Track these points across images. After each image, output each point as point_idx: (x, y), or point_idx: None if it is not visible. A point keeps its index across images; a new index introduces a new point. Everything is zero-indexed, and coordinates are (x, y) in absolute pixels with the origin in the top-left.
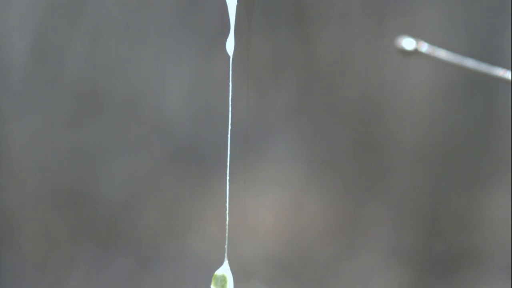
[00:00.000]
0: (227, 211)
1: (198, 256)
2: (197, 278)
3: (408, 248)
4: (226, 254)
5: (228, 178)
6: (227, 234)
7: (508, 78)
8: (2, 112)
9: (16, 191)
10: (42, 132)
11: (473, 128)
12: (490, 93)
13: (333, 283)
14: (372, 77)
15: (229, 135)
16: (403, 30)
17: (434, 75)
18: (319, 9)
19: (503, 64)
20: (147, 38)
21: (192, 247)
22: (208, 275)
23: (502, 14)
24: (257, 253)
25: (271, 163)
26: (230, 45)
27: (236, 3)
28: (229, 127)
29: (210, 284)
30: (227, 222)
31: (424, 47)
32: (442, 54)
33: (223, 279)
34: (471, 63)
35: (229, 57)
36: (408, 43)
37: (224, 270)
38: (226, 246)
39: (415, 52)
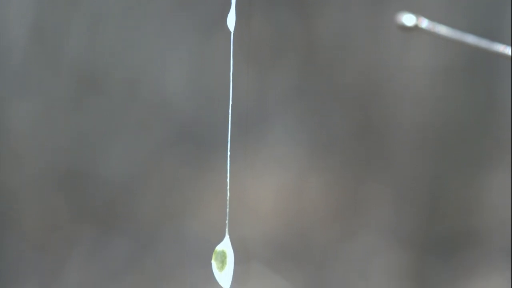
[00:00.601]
0: (228, 186)
1: (197, 237)
2: (197, 259)
3: (408, 230)
4: (227, 230)
5: (229, 156)
6: (227, 210)
7: (508, 54)
8: (2, 94)
9: (17, 173)
10: (43, 114)
11: (473, 111)
12: (491, 75)
13: (333, 264)
14: (372, 59)
15: (229, 116)
16: (403, 8)
17: (434, 58)
18: None
19: (504, 40)
20: (147, 20)
21: (192, 228)
22: (208, 256)
23: None
24: (257, 235)
25: (271, 145)
26: (231, 20)
27: None
28: (230, 107)
29: (210, 265)
30: (227, 197)
31: (424, 23)
32: (442, 30)
33: (223, 254)
34: (471, 39)
35: (230, 33)
36: (408, 19)
37: (225, 246)
38: (227, 222)
39: (415, 28)
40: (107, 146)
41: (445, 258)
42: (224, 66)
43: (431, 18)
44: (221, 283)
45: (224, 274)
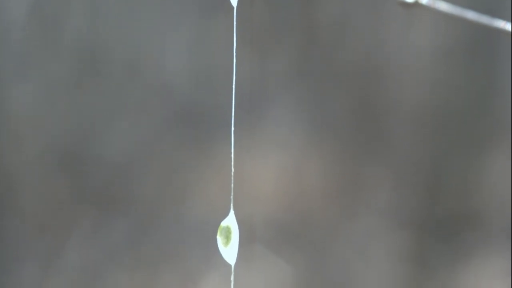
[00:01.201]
0: (232, 162)
1: (197, 219)
2: (197, 241)
3: (408, 211)
4: (231, 205)
5: (233, 130)
6: (232, 185)
7: (508, 30)
8: (2, 75)
9: (17, 153)
10: (42, 95)
11: (473, 92)
12: (491, 57)
13: (334, 245)
14: (372, 40)
15: (233, 96)
16: None
17: (435, 39)
18: None
19: (504, 17)
20: None
21: (192, 210)
22: (208, 238)
23: None
24: (258, 216)
25: (272, 126)
26: None
27: None
28: (234, 84)
29: (210, 247)
30: (232, 173)
31: None
32: (443, 6)
33: (227, 230)
34: (471, 15)
35: (231, 11)
36: None
37: (230, 221)
38: (231, 197)
39: (416, 4)
40: (107, 127)
41: (445, 239)
42: (225, 46)
43: None
44: (226, 259)
45: (229, 249)
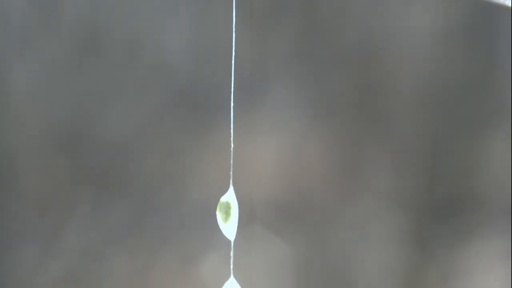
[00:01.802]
0: (232, 137)
1: (197, 200)
2: (196, 222)
3: (408, 192)
4: (231, 181)
5: (232, 105)
6: (232, 161)
7: (508, 5)
8: (2, 56)
9: (17, 134)
10: (42, 75)
11: (473, 73)
12: (491, 39)
13: (334, 226)
14: (372, 22)
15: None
16: None
17: (435, 21)
18: None
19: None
20: None
21: (192, 191)
22: (208, 219)
23: None
24: (258, 197)
25: (272, 107)
26: None
27: None
28: (233, 63)
29: (210, 228)
30: (231, 149)
31: None
32: None
33: (227, 205)
34: None
35: None
36: None
37: (229, 197)
38: (231, 173)
39: None
40: (107, 107)
41: (445, 220)
42: (225, 27)
43: None
44: (226, 234)
45: (228, 225)
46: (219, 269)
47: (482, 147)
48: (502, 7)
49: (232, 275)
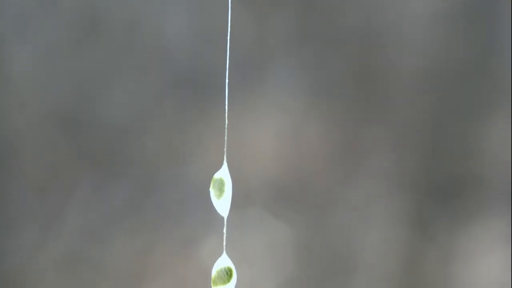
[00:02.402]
0: (226, 114)
1: (197, 181)
2: (196, 202)
3: (408, 174)
4: (225, 157)
5: (227, 82)
6: (226, 138)
7: None
8: (2, 37)
9: (17, 116)
10: (42, 57)
11: (473, 55)
12: (491, 22)
13: (333, 208)
14: (373, 4)
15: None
16: None
17: (435, 3)
18: None
19: None
20: None
21: (191, 172)
22: (207, 201)
23: None
24: (257, 179)
25: (271, 89)
26: None
27: None
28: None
29: (210, 209)
30: (226, 125)
31: None
32: None
33: (220, 182)
34: None
35: None
36: None
37: (223, 174)
38: (225, 149)
39: None
40: (107, 89)
41: (445, 202)
42: (225, 8)
43: None
44: (219, 211)
45: (222, 201)
46: (219, 249)
47: (482, 128)
48: None
49: (224, 252)
